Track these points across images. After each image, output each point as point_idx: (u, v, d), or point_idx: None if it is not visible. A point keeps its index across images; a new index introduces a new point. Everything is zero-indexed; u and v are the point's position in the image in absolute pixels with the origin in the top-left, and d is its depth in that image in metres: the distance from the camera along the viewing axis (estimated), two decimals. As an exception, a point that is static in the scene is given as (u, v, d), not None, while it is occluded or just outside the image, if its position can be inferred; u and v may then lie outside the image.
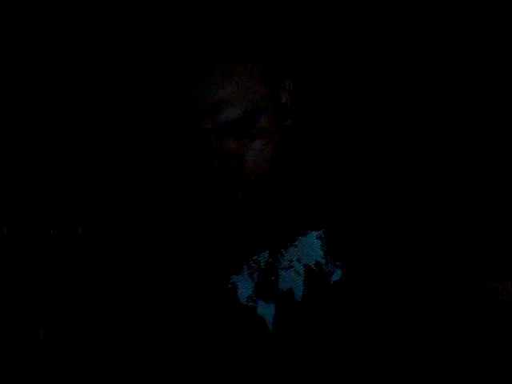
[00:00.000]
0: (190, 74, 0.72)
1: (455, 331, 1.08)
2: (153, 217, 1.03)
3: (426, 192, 1.10)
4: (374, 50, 1.73)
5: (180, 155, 0.79)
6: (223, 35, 0.73)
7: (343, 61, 1.65)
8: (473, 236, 1.14)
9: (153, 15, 0.80)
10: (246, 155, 0.80)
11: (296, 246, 1.09)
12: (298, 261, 1.08)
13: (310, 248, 1.09)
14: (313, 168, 1.03)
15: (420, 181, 1.10)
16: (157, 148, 1.02)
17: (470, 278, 1.10)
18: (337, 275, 1.09)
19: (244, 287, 1.05)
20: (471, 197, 1.40)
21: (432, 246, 1.09)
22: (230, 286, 1.06)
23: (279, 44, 0.82)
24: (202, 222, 0.99)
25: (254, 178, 0.85)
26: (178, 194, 0.98)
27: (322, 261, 1.09)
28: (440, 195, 1.12)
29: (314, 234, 1.10)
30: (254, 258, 1.08)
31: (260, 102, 0.75)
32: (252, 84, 0.74)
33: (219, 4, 0.75)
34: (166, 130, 0.81)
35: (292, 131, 0.95)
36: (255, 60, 0.76)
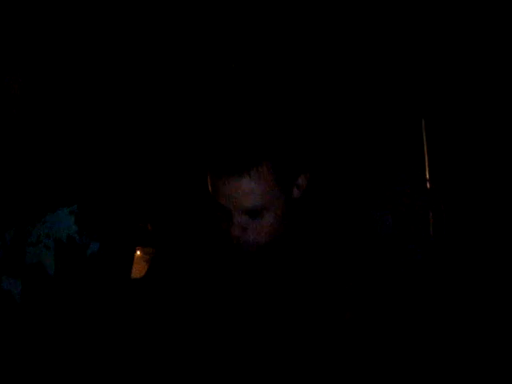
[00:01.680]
0: (229, 180, 0.97)
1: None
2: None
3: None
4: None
5: (214, 221, 1.06)
6: (253, 155, 0.97)
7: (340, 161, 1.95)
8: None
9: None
10: (256, 228, 1.01)
11: (44, 223, 1.08)
12: (47, 236, 1.07)
13: (61, 223, 1.09)
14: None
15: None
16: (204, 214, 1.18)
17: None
18: (93, 247, 1.09)
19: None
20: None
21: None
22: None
23: (290, 159, 1.03)
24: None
25: (260, 242, 1.04)
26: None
27: (76, 235, 1.09)
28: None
29: (66, 209, 1.10)
30: (-1, 235, 1.06)
31: (271, 198, 0.99)
32: (267, 186, 0.97)
33: (254, 135, 1.00)
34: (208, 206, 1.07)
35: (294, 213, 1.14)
36: (272, 171, 0.98)
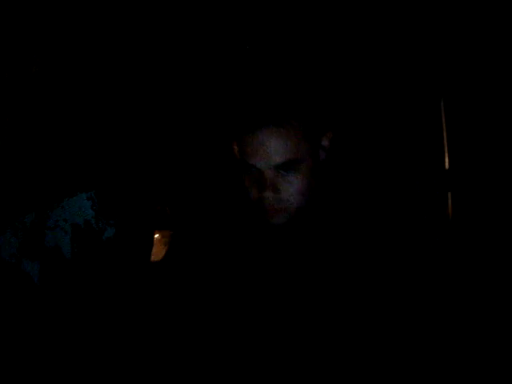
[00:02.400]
0: (263, 132, 1.01)
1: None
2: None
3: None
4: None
5: (246, 187, 1.07)
6: (284, 110, 1.02)
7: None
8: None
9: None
10: (289, 188, 1.04)
11: (62, 207, 1.12)
12: (65, 220, 1.11)
13: (79, 208, 1.12)
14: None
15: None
16: (230, 181, 1.22)
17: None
18: (109, 232, 1.13)
19: (7, 246, 1.06)
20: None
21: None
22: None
23: (316, 117, 1.09)
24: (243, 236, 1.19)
25: (290, 205, 1.07)
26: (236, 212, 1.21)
27: (92, 220, 1.12)
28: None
29: (84, 195, 1.14)
30: (20, 219, 1.10)
31: (300, 155, 1.04)
32: (297, 142, 1.02)
33: (284, 92, 1.04)
34: (236, 170, 1.09)
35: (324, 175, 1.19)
36: (300, 127, 1.04)
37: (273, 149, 1.00)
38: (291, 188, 1.04)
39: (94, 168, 1.18)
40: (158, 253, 2.50)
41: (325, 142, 1.11)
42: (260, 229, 1.14)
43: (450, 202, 2.37)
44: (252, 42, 2.05)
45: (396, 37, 2.13)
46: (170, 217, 2.62)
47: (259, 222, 1.12)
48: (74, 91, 1.28)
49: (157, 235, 2.69)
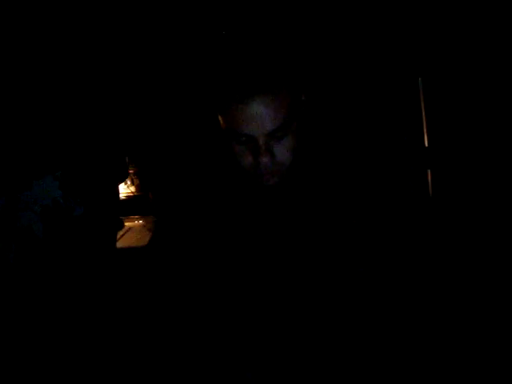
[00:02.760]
0: (256, 100, 1.02)
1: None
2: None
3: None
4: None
5: (237, 155, 1.08)
6: (276, 82, 1.04)
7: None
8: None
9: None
10: (283, 150, 1.07)
11: (32, 190, 1.16)
12: (35, 202, 1.16)
13: (47, 189, 1.17)
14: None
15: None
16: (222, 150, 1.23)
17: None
18: (78, 211, 1.17)
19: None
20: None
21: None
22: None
23: (300, 80, 1.11)
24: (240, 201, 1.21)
25: (284, 167, 1.11)
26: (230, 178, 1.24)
27: (61, 200, 1.17)
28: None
29: (51, 176, 1.18)
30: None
31: (290, 119, 1.06)
32: (287, 107, 1.04)
33: (273, 58, 1.06)
34: (230, 138, 1.09)
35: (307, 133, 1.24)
36: (287, 92, 1.05)
37: (267, 116, 1.01)
38: (284, 150, 1.07)
39: (60, 149, 1.22)
40: (142, 238, 2.55)
41: (305, 98, 1.14)
42: (252, 193, 1.17)
43: (429, 179, 2.41)
44: (240, 13, 2.08)
45: (378, 12, 2.16)
46: (153, 202, 2.66)
47: (251, 187, 1.15)
48: (36, 72, 1.31)
49: (140, 221, 2.74)
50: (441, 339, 1.17)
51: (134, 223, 2.70)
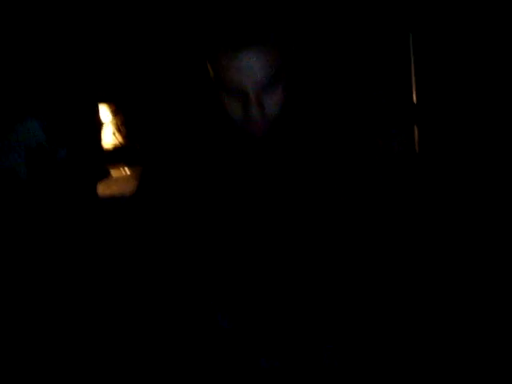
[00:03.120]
0: (247, 50, 1.03)
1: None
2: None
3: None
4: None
5: (226, 105, 1.09)
6: (267, 32, 1.04)
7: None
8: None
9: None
10: (272, 102, 1.07)
11: (15, 132, 1.16)
12: (19, 144, 1.16)
13: (31, 131, 1.17)
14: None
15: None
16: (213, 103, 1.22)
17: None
18: (62, 153, 1.18)
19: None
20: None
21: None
22: None
23: (289, 34, 1.11)
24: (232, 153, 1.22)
25: (273, 118, 1.12)
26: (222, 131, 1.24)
27: (44, 142, 1.17)
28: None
29: (34, 119, 1.18)
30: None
31: (279, 70, 1.06)
32: (277, 57, 1.04)
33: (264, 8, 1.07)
34: (220, 88, 1.09)
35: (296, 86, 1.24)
36: (278, 42, 1.05)
37: (257, 68, 1.03)
38: (274, 102, 1.08)
39: (43, 92, 1.21)
40: (129, 187, 2.56)
41: (295, 49, 1.16)
42: (240, 144, 1.18)
43: (416, 135, 2.42)
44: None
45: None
46: (140, 152, 2.66)
47: (239, 137, 1.16)
48: (22, 16, 1.29)
49: (127, 170, 2.74)
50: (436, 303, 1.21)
51: (120, 172, 2.70)
